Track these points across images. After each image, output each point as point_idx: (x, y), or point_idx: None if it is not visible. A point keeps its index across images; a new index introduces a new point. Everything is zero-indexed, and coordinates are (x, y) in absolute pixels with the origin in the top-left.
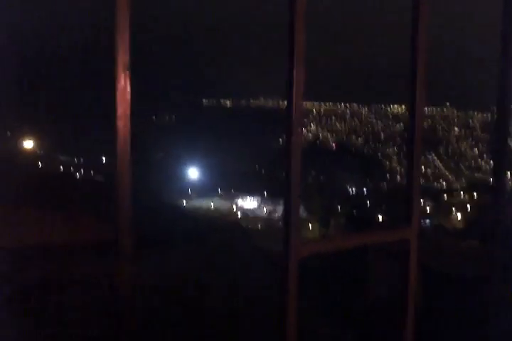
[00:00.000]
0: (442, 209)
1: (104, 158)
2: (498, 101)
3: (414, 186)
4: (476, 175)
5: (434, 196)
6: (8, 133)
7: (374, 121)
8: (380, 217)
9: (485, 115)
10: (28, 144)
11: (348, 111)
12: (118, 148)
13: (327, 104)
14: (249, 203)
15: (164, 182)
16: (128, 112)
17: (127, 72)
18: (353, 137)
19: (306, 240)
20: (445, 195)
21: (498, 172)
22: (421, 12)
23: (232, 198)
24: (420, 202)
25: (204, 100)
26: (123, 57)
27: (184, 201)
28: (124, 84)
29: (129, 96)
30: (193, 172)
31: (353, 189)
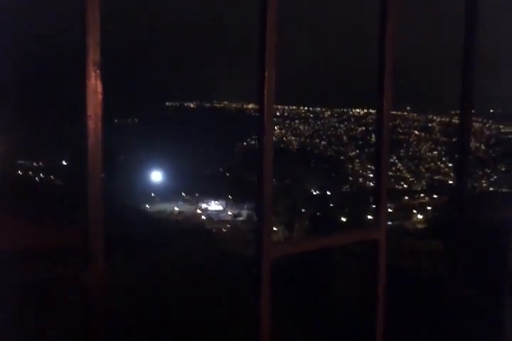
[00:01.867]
0: (403, 211)
1: (64, 162)
2: (461, 104)
3: (382, 188)
4: (435, 177)
5: (395, 198)
6: None
7: (336, 124)
8: (344, 219)
9: (444, 119)
10: None
11: (310, 114)
12: (89, 150)
13: (290, 107)
14: (213, 206)
15: (126, 186)
16: (99, 112)
17: (98, 71)
18: (316, 140)
19: (276, 242)
20: (406, 197)
21: (460, 174)
22: (388, 15)
23: (196, 202)
24: (387, 204)
25: (167, 103)
26: (93, 55)
27: (147, 205)
28: (94, 83)
29: (100, 96)
30: (157, 176)
31: (317, 191)
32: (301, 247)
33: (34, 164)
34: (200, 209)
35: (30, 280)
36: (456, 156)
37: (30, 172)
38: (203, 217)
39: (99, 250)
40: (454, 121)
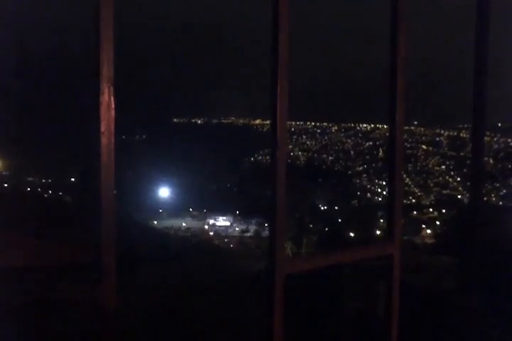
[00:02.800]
0: (412, 225)
1: (72, 179)
2: (473, 120)
3: (396, 202)
4: (444, 191)
5: (404, 212)
6: None
7: (344, 139)
8: (352, 234)
9: (451, 133)
10: None
11: (318, 129)
12: (102, 166)
13: (297, 122)
14: (221, 222)
15: (134, 202)
16: (112, 128)
17: (111, 88)
18: (324, 155)
19: (290, 257)
20: (414, 212)
21: (475, 191)
22: (399, 31)
23: (204, 217)
24: (401, 218)
25: (175, 119)
26: (107, 72)
27: (155, 221)
28: (108, 100)
29: (113, 112)
30: (164, 192)
31: (325, 206)
32: (315, 263)
33: (43, 181)
34: (208, 224)
35: (32, 296)
36: (470, 173)
37: (39, 189)
38: (211, 233)
39: (111, 265)
40: (461, 135)
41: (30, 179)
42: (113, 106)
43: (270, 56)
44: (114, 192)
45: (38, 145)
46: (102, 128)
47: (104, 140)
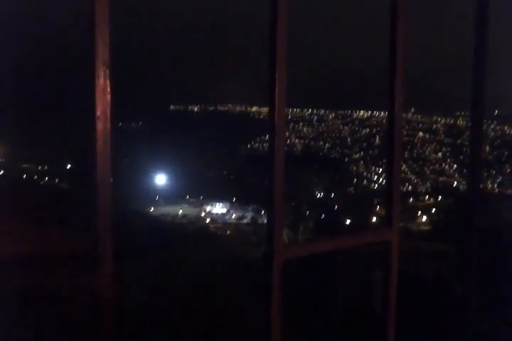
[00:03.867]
0: (408, 212)
1: (68, 166)
2: (472, 107)
3: (394, 188)
4: (440, 178)
5: (400, 199)
6: None
7: (340, 126)
8: (348, 221)
9: (448, 120)
10: None
11: (314, 117)
12: (98, 151)
13: (294, 109)
14: (218, 209)
15: (131, 189)
16: (108, 112)
17: (107, 71)
18: (321, 142)
19: (288, 244)
20: (411, 199)
21: (473, 178)
22: (399, 17)
23: (200, 204)
24: (400, 203)
25: (171, 106)
26: (103, 55)
27: (152, 208)
28: (103, 83)
29: (109, 96)
30: (161, 179)
31: (321, 194)
32: (313, 248)
33: (39, 168)
34: (205, 211)
35: (31, 284)
36: (469, 160)
37: (35, 176)
38: (208, 220)
39: (108, 254)
40: (458, 122)
41: (26, 166)
42: (109, 89)
43: (268, 42)
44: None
45: (35, 133)
46: (98, 113)
47: (99, 125)
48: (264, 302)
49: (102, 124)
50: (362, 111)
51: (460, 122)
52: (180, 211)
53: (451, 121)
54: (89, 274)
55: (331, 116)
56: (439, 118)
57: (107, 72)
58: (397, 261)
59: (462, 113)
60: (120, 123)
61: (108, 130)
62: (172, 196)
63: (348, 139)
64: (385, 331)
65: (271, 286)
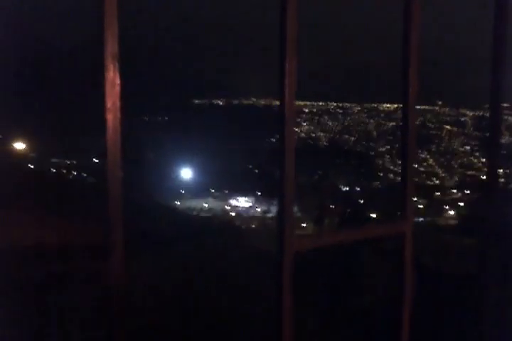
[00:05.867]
0: (435, 207)
1: (95, 160)
2: (491, 99)
3: (408, 179)
4: (468, 172)
5: (426, 194)
6: (0, 136)
7: (366, 119)
8: (374, 215)
9: (477, 113)
10: (20, 146)
11: (340, 110)
12: (108, 143)
13: (319, 103)
14: (243, 203)
15: (157, 183)
16: (118, 104)
17: (116, 63)
18: (346, 136)
19: (300, 235)
20: (438, 193)
21: (492, 170)
22: (413, 10)
23: (225, 198)
24: (414, 196)
25: (196, 100)
26: (111, 47)
27: (177, 202)
28: (113, 76)
29: (118, 88)
30: (186, 173)
31: (347, 187)
32: (324, 240)
33: (67, 162)
34: (230, 205)
35: (54, 271)
36: (487, 151)
37: (64, 171)
38: (233, 214)
39: (118, 240)
40: (487, 115)
41: (54, 160)
42: (118, 82)
43: (278, 32)
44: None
45: (63, 127)
46: (108, 104)
47: (109, 116)
48: (276, 294)
49: (112, 115)
50: (388, 104)
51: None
52: (205, 204)
53: (480, 114)
54: (100, 263)
55: (356, 110)
56: (467, 111)
57: (116, 65)
58: (412, 253)
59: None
60: (146, 118)
61: (118, 121)
62: (197, 190)
63: (374, 132)
64: (400, 321)
65: (281, 278)
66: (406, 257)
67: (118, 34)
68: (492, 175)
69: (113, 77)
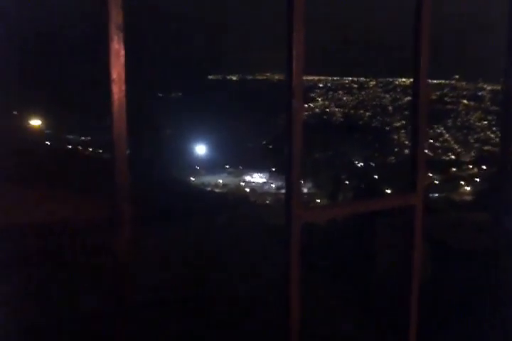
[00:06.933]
0: (451, 182)
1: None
2: (505, 74)
3: (419, 152)
4: (485, 147)
5: (442, 169)
6: (15, 112)
7: (382, 94)
8: (389, 191)
9: (494, 87)
10: (36, 122)
11: (355, 85)
12: (114, 114)
13: (334, 77)
14: (257, 179)
15: (173, 159)
16: (123, 76)
17: (121, 34)
18: (361, 111)
19: (307, 207)
20: (453, 168)
21: (505, 144)
22: None
23: (240, 174)
24: (425, 168)
25: (210, 76)
26: (116, 18)
27: (192, 177)
28: (117, 47)
29: (123, 59)
30: (201, 149)
31: (362, 163)
32: (332, 212)
33: (82, 138)
34: (244, 181)
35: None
36: (501, 126)
37: (80, 147)
38: (247, 189)
39: (126, 220)
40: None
41: (70, 137)
42: (123, 53)
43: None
44: (127, 150)
45: (78, 104)
46: (113, 76)
47: (115, 88)
48: (284, 265)
49: (117, 87)
50: (404, 79)
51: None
52: (220, 180)
53: (498, 88)
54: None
55: (371, 84)
56: (485, 85)
57: (121, 35)
58: (422, 226)
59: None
60: (160, 94)
61: (123, 93)
62: (212, 166)
63: (390, 107)
64: (408, 298)
65: (289, 249)
66: (416, 228)
67: (122, 3)
68: (504, 149)
69: (118, 49)
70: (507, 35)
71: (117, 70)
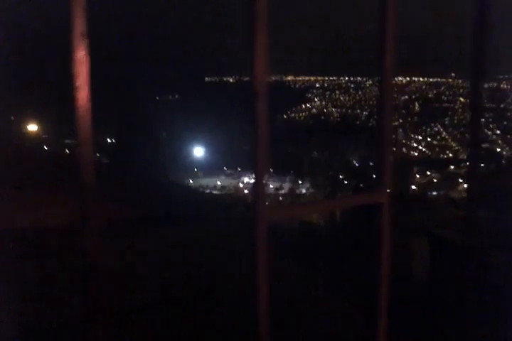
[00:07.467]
0: (449, 180)
1: (108, 140)
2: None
3: (384, 149)
4: (482, 145)
5: (440, 167)
6: (12, 117)
7: (378, 94)
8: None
9: (491, 85)
10: (33, 128)
11: (351, 84)
12: (79, 120)
13: (330, 78)
14: None
15: (170, 162)
16: (88, 82)
17: (86, 41)
18: (358, 110)
19: (273, 205)
20: (451, 166)
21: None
22: None
23: (238, 176)
24: (391, 165)
25: (206, 78)
26: (80, 26)
27: (190, 180)
28: (82, 54)
29: (88, 66)
30: (198, 151)
31: (359, 162)
32: (298, 210)
33: None
34: (242, 182)
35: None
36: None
37: (78, 151)
38: (246, 191)
39: (94, 225)
40: (502, 86)
41: (68, 141)
42: (87, 59)
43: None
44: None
45: (71, 108)
46: (77, 83)
47: (80, 94)
48: (251, 266)
49: (83, 93)
50: (400, 78)
51: (504, 85)
52: (218, 182)
53: (494, 85)
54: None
55: (368, 84)
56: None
57: (85, 42)
58: (389, 224)
59: (506, 76)
60: (157, 97)
61: (88, 99)
62: (210, 168)
63: None
64: (376, 296)
65: (256, 249)
66: (383, 227)
67: (87, 12)
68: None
69: (82, 55)
70: (473, 43)
71: (82, 77)
